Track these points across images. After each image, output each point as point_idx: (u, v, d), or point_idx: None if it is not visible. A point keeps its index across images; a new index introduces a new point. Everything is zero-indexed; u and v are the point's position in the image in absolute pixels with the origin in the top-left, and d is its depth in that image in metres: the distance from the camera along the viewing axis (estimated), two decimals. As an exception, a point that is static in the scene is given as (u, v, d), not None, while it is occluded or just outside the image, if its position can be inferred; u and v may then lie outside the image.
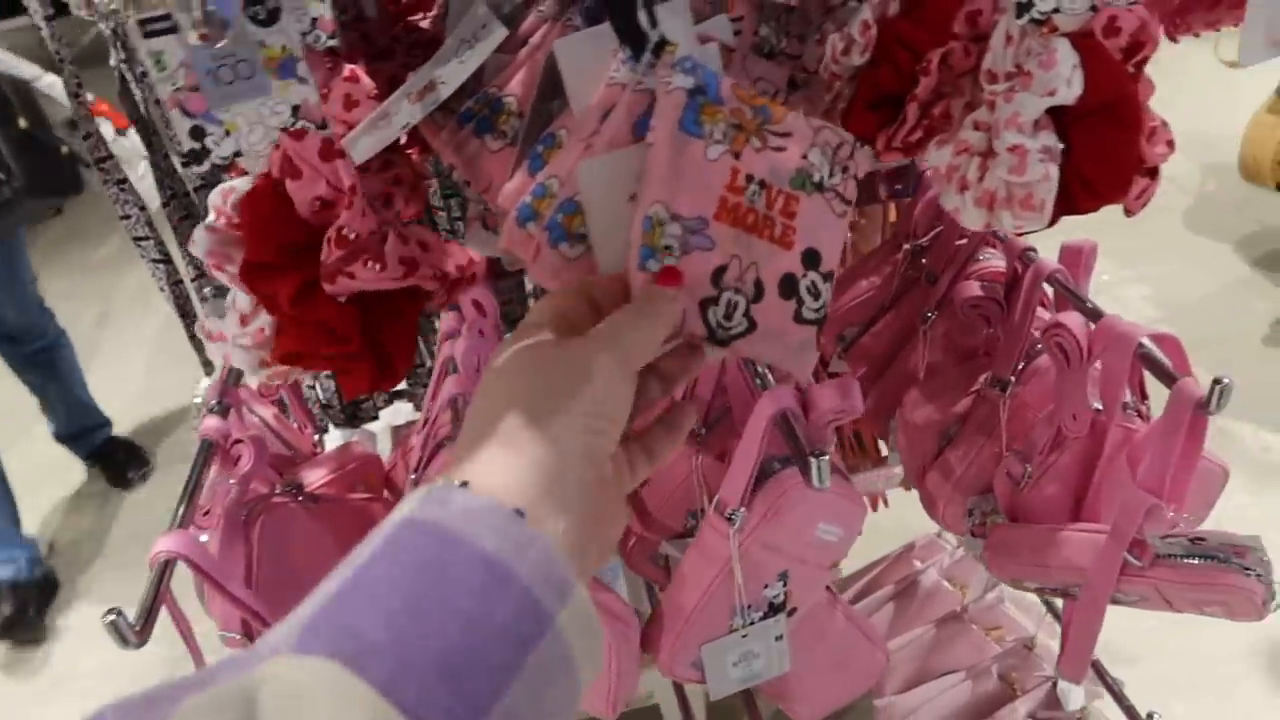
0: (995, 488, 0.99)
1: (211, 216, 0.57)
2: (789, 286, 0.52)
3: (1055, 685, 1.23)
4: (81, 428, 2.80)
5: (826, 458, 0.71)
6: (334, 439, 1.40)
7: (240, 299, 0.60)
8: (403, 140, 0.75)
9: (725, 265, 0.49)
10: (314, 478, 1.07)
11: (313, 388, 1.31)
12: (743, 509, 0.81)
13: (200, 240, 0.58)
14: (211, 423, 0.92)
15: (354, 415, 1.33)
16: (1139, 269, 3.07)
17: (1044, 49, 0.55)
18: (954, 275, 1.07)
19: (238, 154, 0.55)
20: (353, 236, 0.58)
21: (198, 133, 0.54)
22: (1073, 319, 0.87)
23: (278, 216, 0.58)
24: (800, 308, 0.52)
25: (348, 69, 0.69)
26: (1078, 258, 0.96)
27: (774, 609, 0.88)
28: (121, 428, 2.96)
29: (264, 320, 0.62)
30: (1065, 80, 0.55)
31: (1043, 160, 0.56)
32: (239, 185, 0.57)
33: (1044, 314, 1.01)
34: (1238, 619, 0.85)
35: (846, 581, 1.59)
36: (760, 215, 0.49)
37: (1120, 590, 0.86)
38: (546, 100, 0.58)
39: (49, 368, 2.65)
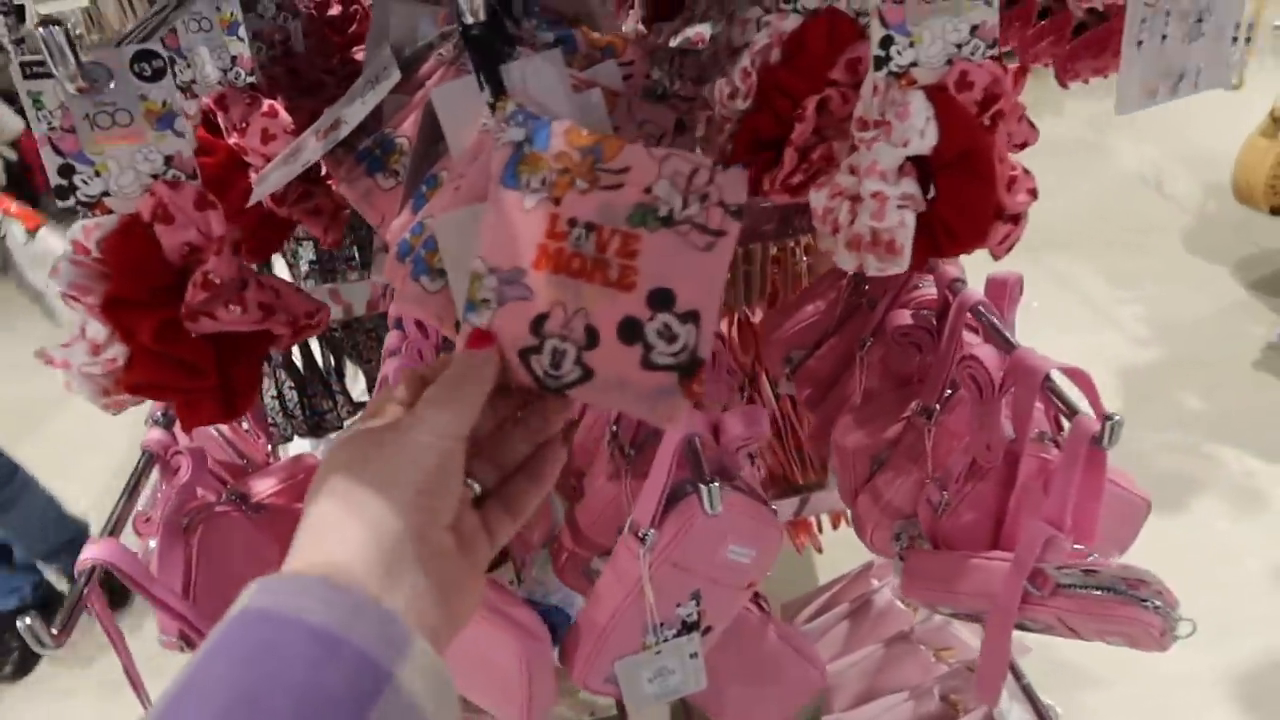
0: (919, 514, 1.00)
1: (71, 250, 0.60)
2: (630, 331, 0.50)
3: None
4: (62, 542, 2.41)
5: (717, 484, 0.73)
6: (299, 449, 1.44)
7: (94, 328, 0.63)
8: (324, 171, 0.78)
9: (546, 313, 0.49)
10: (262, 488, 1.10)
11: (277, 398, 1.35)
12: (653, 530, 0.84)
13: (64, 273, 0.60)
14: (154, 435, 0.96)
15: (318, 425, 1.36)
16: (1134, 289, 3.07)
17: (901, 100, 0.57)
18: (889, 302, 1.09)
19: (105, 194, 0.58)
20: (217, 281, 0.62)
21: (66, 170, 0.57)
22: (985, 351, 0.88)
23: (146, 256, 0.61)
24: (648, 353, 0.50)
25: (266, 104, 0.73)
26: (1003, 289, 0.98)
27: (688, 627, 0.90)
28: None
29: (117, 351, 0.64)
30: (919, 131, 0.57)
31: (901, 207, 0.58)
32: (104, 222, 0.60)
33: (974, 342, 1.03)
34: (1141, 649, 0.87)
35: (806, 599, 1.61)
36: (589, 259, 0.49)
37: (1026, 618, 0.88)
38: (430, 143, 0.61)
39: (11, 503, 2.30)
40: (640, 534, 0.84)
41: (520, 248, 0.49)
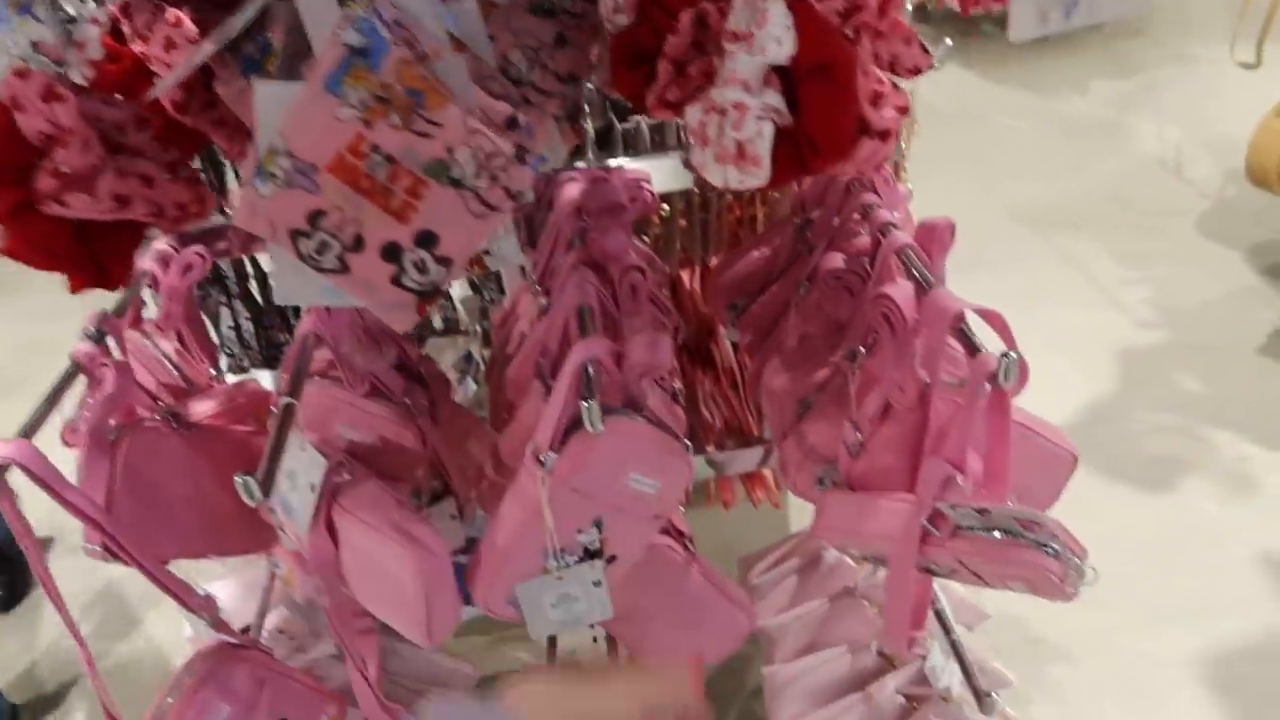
0: (838, 456, 1.00)
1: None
2: (392, 253, 0.58)
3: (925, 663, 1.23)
4: None
5: (595, 402, 0.73)
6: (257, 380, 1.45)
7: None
8: (228, 79, 0.78)
9: (325, 211, 0.54)
10: (201, 409, 1.12)
11: (234, 329, 1.37)
12: (553, 453, 0.84)
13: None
14: (83, 347, 0.98)
15: (274, 357, 1.38)
16: (1143, 271, 3.01)
17: (761, 8, 0.57)
18: (825, 246, 1.08)
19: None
20: (65, 170, 0.63)
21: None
22: (899, 290, 0.88)
23: (7, 137, 0.63)
24: (400, 274, 0.59)
25: (172, 14, 0.73)
26: (932, 234, 0.97)
27: (590, 554, 0.91)
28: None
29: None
30: (775, 39, 0.56)
31: (760, 118, 0.58)
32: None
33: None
34: (1044, 596, 0.86)
35: (763, 553, 1.61)
36: (378, 185, 0.55)
37: (928, 560, 0.87)
38: (299, 45, 0.61)
39: None
40: (540, 457, 0.85)
41: (321, 149, 0.53)
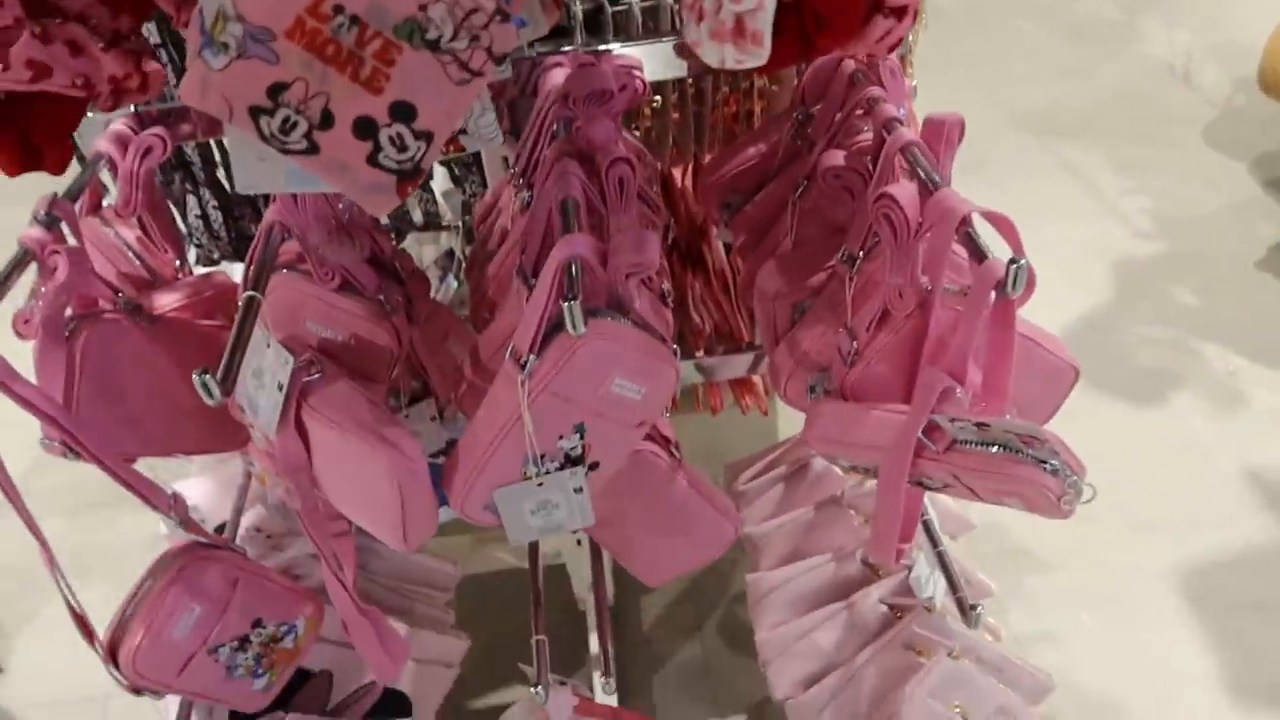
0: (831, 363, 0.96)
1: None
2: (366, 128, 0.52)
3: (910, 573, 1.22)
4: None
5: (577, 302, 0.68)
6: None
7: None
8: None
9: (287, 83, 0.48)
10: (165, 301, 1.07)
11: (201, 218, 1.30)
12: (533, 356, 0.80)
13: None
14: (33, 232, 0.92)
15: (244, 248, 1.32)
16: (1144, 179, 2.94)
17: None
18: (826, 143, 1.02)
19: None
20: None
21: None
22: (901, 190, 0.82)
23: None
24: (377, 152, 0.53)
25: None
26: (940, 131, 0.91)
27: (571, 460, 0.87)
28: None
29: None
30: (785, -103, 0.50)
31: (764, -13, 0.52)
32: None
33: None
34: (1039, 513, 0.83)
35: (750, 460, 1.59)
36: (344, 50, 0.49)
37: (920, 474, 0.84)
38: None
39: None
40: (520, 360, 0.80)
41: (277, 11, 0.47)
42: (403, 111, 0.53)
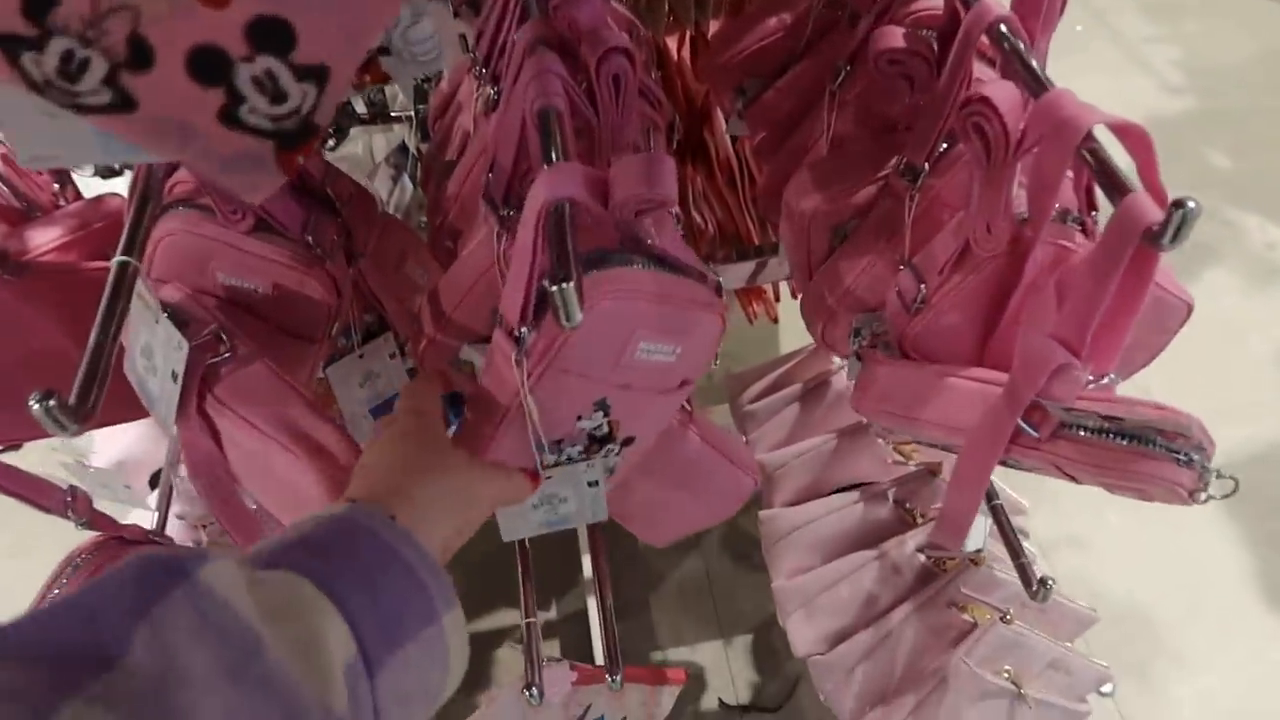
0: (887, 307, 0.77)
1: None
2: (209, 67, 0.31)
3: (953, 521, 1.07)
4: None
5: (570, 285, 0.48)
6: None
7: None
8: None
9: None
10: (40, 240, 0.85)
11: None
12: (526, 330, 0.59)
13: None
14: None
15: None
16: (1173, 25, 2.68)
17: None
18: (877, 16, 0.79)
19: None
20: None
21: None
22: (1001, 91, 0.61)
23: None
24: (235, 105, 0.32)
25: None
26: (1037, 5, 0.69)
27: (599, 441, 0.68)
28: None
29: None
30: None
31: None
32: None
33: (989, 79, 0.75)
34: (1152, 501, 0.66)
35: (756, 372, 1.41)
36: None
37: (1009, 458, 0.66)
38: None
39: None
40: (513, 333, 0.59)
41: None
42: (270, 34, 0.32)
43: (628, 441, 0.69)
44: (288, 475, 0.64)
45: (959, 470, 0.68)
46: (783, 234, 0.87)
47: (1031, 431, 0.62)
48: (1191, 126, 2.39)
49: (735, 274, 1.26)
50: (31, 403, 0.48)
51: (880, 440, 1.20)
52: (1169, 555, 1.74)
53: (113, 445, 1.32)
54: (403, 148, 1.23)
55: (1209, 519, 1.78)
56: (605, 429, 0.67)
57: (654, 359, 0.62)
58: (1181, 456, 0.60)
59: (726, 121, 1.09)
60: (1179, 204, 0.52)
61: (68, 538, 0.82)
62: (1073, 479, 0.68)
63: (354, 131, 1.21)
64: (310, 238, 0.73)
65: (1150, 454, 0.60)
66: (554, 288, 0.48)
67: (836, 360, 1.34)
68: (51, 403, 0.48)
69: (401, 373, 1.07)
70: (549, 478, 0.69)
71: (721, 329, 0.63)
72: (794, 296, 1.41)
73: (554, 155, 0.61)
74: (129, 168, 1.11)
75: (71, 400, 0.49)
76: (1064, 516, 1.78)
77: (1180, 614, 1.66)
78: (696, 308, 0.61)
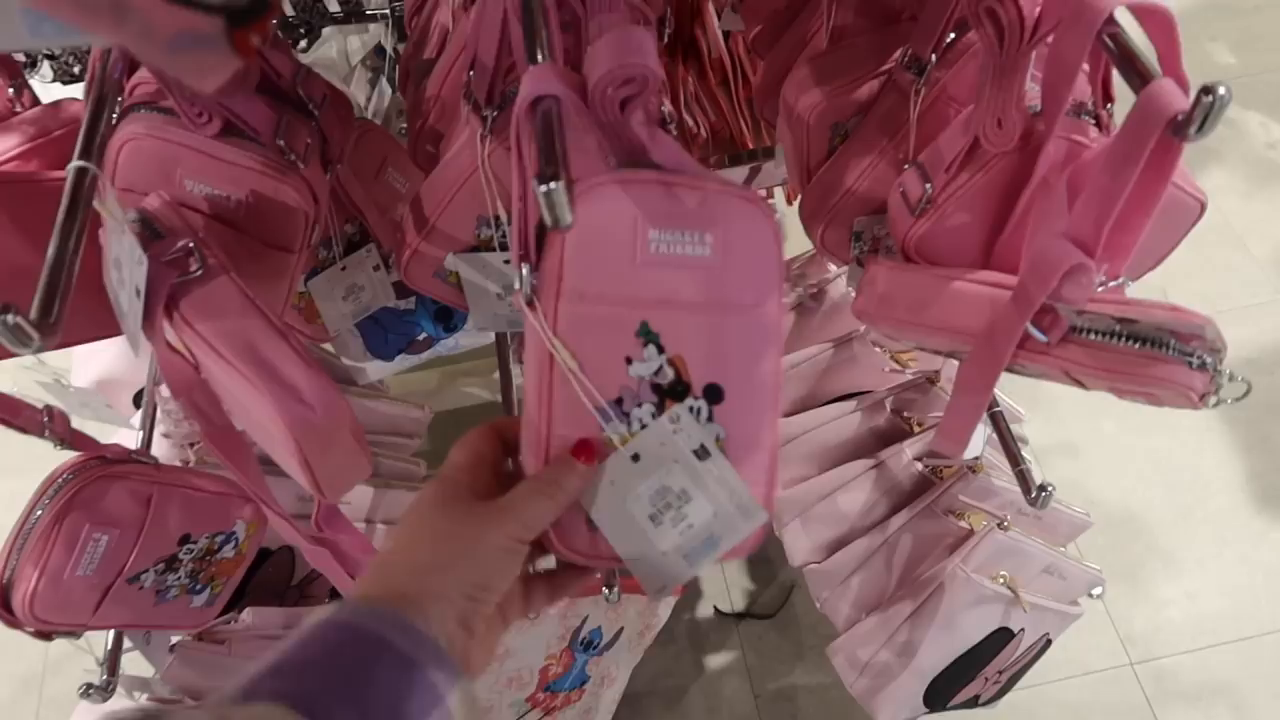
0: (889, 208, 0.74)
1: None
2: None
3: (951, 428, 1.05)
4: None
5: (556, 185, 0.44)
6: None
7: None
8: None
9: None
10: (-1, 147, 0.81)
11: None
12: (528, 272, 0.50)
13: None
14: None
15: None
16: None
17: None
18: (881, -105, 0.74)
19: None
20: None
21: None
22: (1018, -28, 0.57)
23: None
24: None
25: None
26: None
27: (670, 392, 0.51)
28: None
29: None
30: None
31: None
32: None
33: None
34: (1162, 406, 0.64)
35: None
36: None
37: (1015, 364, 0.64)
38: None
39: None
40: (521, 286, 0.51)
41: None
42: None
43: (714, 395, 0.51)
44: (257, 413, 0.62)
45: (963, 376, 0.66)
46: (780, 133, 0.83)
47: (1040, 336, 0.60)
48: (1195, 20, 2.32)
49: (731, 178, 1.22)
50: (-7, 314, 0.45)
51: (878, 349, 1.18)
52: (1162, 461, 1.74)
53: (93, 364, 1.29)
54: (379, 49, 1.17)
55: (1203, 425, 1.78)
56: (670, 373, 0.51)
57: (680, 252, 0.50)
58: (1194, 360, 0.58)
59: (719, 17, 1.04)
60: (1208, 90, 0.49)
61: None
62: (1079, 384, 0.66)
63: (327, 32, 1.15)
64: (283, 142, 0.69)
65: (1162, 358, 0.57)
66: (542, 187, 0.44)
67: (833, 268, 1.31)
68: (10, 317, 0.45)
69: (386, 285, 1.04)
70: (636, 459, 0.51)
71: (773, 224, 0.51)
72: (789, 202, 1.37)
73: (539, 52, 0.57)
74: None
75: (32, 315, 0.46)
76: (1059, 424, 1.77)
77: (1171, 518, 1.68)
78: (721, 191, 0.50)
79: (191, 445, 1.13)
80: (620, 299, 0.50)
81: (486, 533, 0.48)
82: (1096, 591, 1.18)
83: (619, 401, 0.51)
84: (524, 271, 0.50)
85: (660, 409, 0.51)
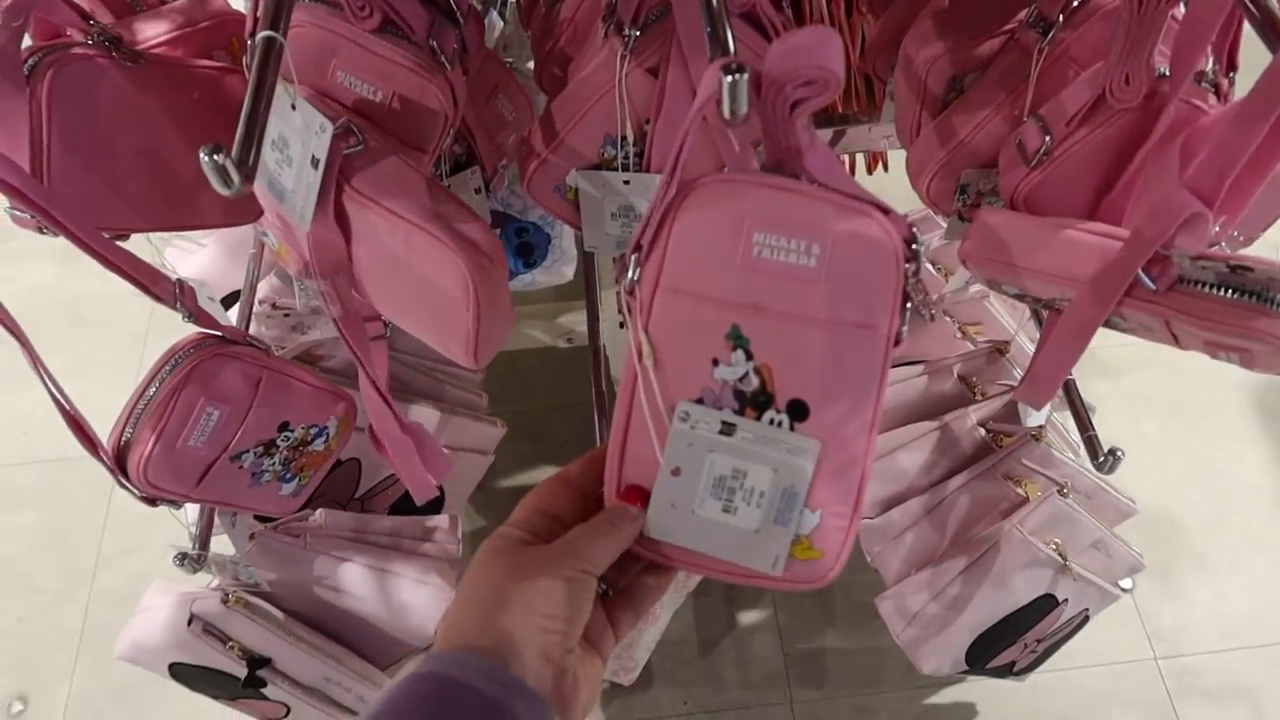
0: (1000, 160, 0.76)
1: None
2: None
3: (1018, 397, 1.08)
4: None
5: (744, 76, 0.47)
6: None
7: None
8: None
9: None
10: (150, 33, 0.85)
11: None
12: (634, 275, 0.51)
13: None
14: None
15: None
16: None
17: None
18: None
19: None
20: None
21: None
22: (1164, -67, 0.59)
23: None
24: None
25: None
26: None
27: (752, 402, 0.50)
28: None
29: None
30: None
31: None
32: None
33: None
34: (1256, 370, 0.67)
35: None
36: None
37: (1119, 314, 0.67)
38: None
39: None
40: (629, 290, 0.51)
41: None
42: None
43: (799, 411, 0.50)
44: (429, 271, 0.65)
45: (1066, 320, 0.69)
46: (896, 86, 0.86)
47: (1149, 283, 0.63)
48: None
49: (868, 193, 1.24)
50: (202, 154, 0.49)
51: (948, 318, 1.21)
52: (1201, 466, 1.76)
53: (184, 266, 1.33)
54: (492, -17, 1.20)
55: (1246, 435, 1.80)
56: (755, 381, 0.50)
57: (782, 260, 0.49)
58: (1295, 316, 0.61)
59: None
60: (1350, 50, 0.52)
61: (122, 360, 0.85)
62: (1175, 341, 0.69)
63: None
64: (435, 43, 0.73)
65: (1266, 311, 0.60)
66: (728, 78, 0.47)
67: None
68: (219, 157, 0.49)
69: (485, 209, 1.08)
70: (675, 471, 0.51)
71: (897, 245, 0.49)
72: (869, 171, 1.40)
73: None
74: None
75: (235, 156, 0.50)
76: (1102, 422, 1.76)
77: (1206, 522, 1.70)
78: (844, 205, 0.49)
79: (278, 349, 1.18)
80: (715, 298, 0.50)
81: (548, 567, 0.49)
82: (1127, 584, 1.21)
83: (699, 402, 0.51)
84: (632, 259, 0.51)
85: (741, 412, 0.51)
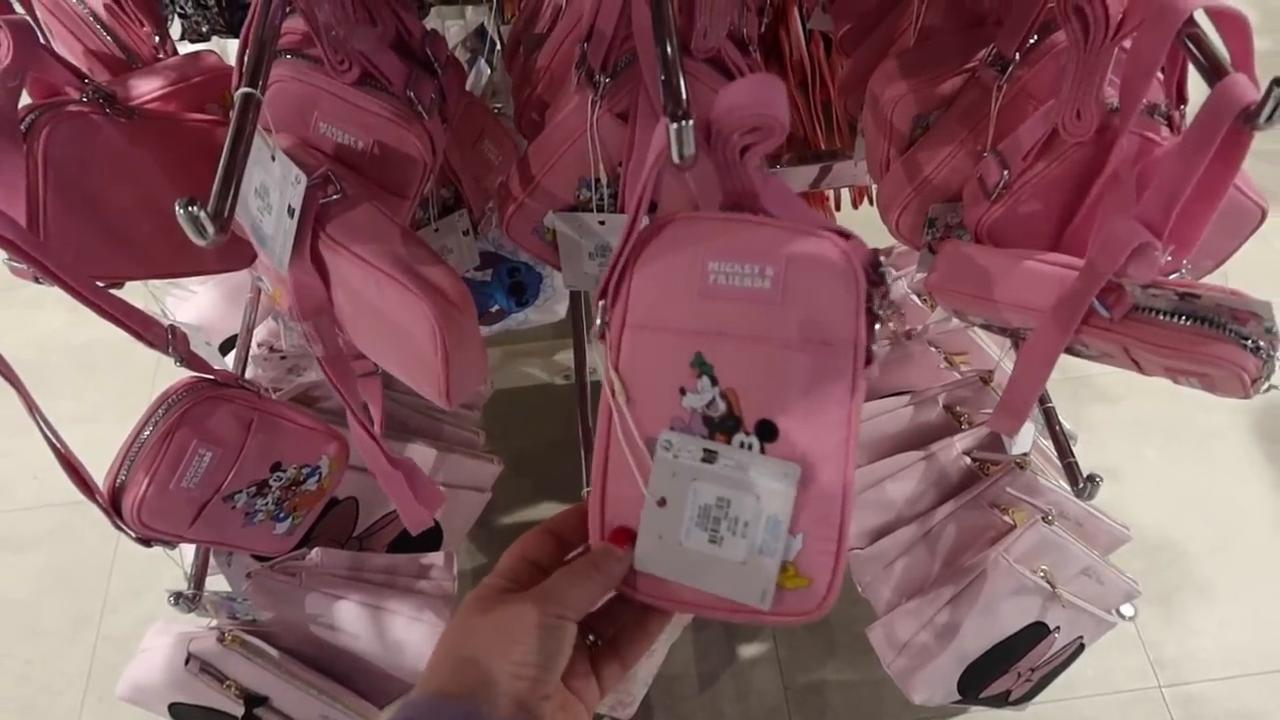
0: (964, 195, 0.78)
1: None
2: None
3: (1002, 425, 1.09)
4: None
5: (689, 123, 0.50)
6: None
7: None
8: None
9: None
10: (144, 89, 0.88)
11: (188, -18, 1.08)
12: (604, 307, 0.54)
13: None
14: (-34, -4, 0.72)
15: (239, 21, 1.10)
16: (1254, -37, 2.60)
17: None
18: (976, -95, 0.79)
19: None
20: None
21: None
22: (1106, -27, 0.62)
23: None
24: None
25: None
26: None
27: (719, 426, 0.51)
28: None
29: None
30: None
31: None
32: None
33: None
34: (1218, 394, 0.68)
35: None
36: None
37: (1079, 341, 0.69)
38: None
39: None
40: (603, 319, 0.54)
41: None
42: None
43: (767, 431, 0.50)
44: (399, 317, 0.68)
45: (1029, 349, 0.70)
46: (864, 124, 0.88)
47: (1104, 312, 0.64)
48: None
49: (800, 177, 1.27)
50: (177, 207, 0.51)
51: (933, 349, 1.23)
52: (1202, 491, 1.76)
53: (182, 311, 1.37)
54: (480, 31, 1.24)
55: (1245, 459, 1.80)
56: (722, 405, 0.51)
57: (738, 285, 0.50)
58: (1249, 342, 0.62)
59: (806, 20, 1.10)
60: (1279, 81, 0.54)
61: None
62: (1137, 366, 0.70)
63: (431, 14, 1.23)
64: (412, 93, 0.75)
65: (1218, 337, 0.61)
66: (673, 125, 0.49)
67: (891, 270, 1.36)
68: (194, 208, 0.51)
69: (473, 250, 1.10)
70: (661, 502, 0.51)
71: (852, 263, 0.49)
72: (855, 206, 1.42)
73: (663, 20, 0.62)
74: (216, 32, 1.14)
75: (209, 208, 0.53)
76: (1101, 449, 1.80)
77: (1208, 548, 1.69)
78: (794, 229, 0.50)
79: (274, 391, 1.20)
80: (677, 329, 0.51)
81: (523, 614, 0.48)
82: (1128, 612, 1.20)
83: (672, 426, 0.51)
84: (600, 306, 0.53)
85: (709, 435, 0.51)
